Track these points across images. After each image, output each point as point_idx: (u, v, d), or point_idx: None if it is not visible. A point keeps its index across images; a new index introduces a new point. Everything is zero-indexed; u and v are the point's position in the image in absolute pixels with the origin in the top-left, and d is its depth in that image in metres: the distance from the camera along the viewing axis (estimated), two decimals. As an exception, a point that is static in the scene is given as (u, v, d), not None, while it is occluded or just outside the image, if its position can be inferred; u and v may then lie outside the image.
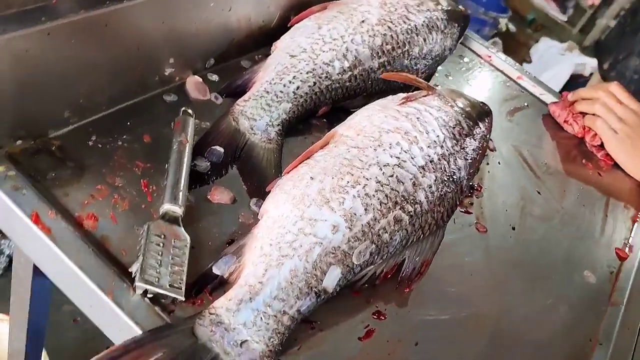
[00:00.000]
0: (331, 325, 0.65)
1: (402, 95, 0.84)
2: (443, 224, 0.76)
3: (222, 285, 0.61)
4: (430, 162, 0.75)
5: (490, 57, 1.29)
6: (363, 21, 0.94)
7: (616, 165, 1.13)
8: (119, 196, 0.64)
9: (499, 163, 1.01)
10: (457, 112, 0.83)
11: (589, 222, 0.99)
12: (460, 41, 1.18)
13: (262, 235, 0.64)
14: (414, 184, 0.72)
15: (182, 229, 0.62)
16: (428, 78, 1.05)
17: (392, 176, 0.70)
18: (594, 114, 1.14)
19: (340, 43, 0.90)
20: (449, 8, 1.11)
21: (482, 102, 0.92)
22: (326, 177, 0.68)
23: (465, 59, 1.26)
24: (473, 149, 0.82)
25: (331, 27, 0.91)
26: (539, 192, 0.99)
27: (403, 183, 0.71)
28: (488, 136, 0.88)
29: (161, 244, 0.59)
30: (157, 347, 0.51)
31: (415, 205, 0.71)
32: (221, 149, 0.75)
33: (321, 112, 0.89)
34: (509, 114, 1.16)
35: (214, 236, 0.66)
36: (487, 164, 1.00)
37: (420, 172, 0.73)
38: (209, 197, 0.70)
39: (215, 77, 0.86)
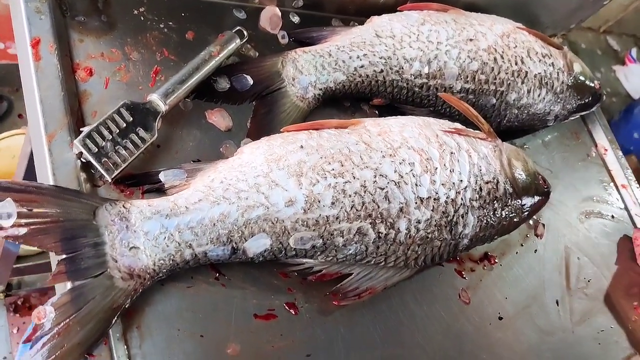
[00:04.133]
0: (237, 287, 0.62)
1: (456, 125, 0.76)
2: (415, 265, 0.70)
3: (158, 192, 0.61)
4: (435, 199, 0.68)
5: (606, 150, 1.14)
6: (471, 40, 0.86)
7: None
8: (125, 67, 0.65)
9: (535, 251, 0.90)
10: (503, 172, 0.74)
11: (590, 361, 0.86)
12: (578, 116, 1.06)
13: (222, 170, 0.62)
14: (401, 209, 0.66)
15: (156, 124, 0.62)
16: (511, 132, 0.95)
17: (382, 189, 0.65)
18: (676, 264, 0.98)
19: (433, 48, 0.83)
20: (581, 77, 0.99)
21: (544, 180, 0.81)
22: (316, 153, 0.64)
23: (579, 139, 1.13)
24: (496, 216, 0.74)
25: (434, 29, 0.85)
26: (557, 303, 0.87)
27: (389, 202, 0.65)
28: (527, 215, 0.78)
29: (124, 125, 0.59)
30: (52, 203, 0.52)
31: (390, 230, 0.65)
32: (250, 81, 0.73)
33: (376, 101, 0.84)
34: (585, 214, 1.02)
35: (185, 149, 0.66)
36: (522, 245, 0.90)
37: (416, 203, 0.67)
38: (206, 114, 0.69)
39: (296, 19, 0.84)
